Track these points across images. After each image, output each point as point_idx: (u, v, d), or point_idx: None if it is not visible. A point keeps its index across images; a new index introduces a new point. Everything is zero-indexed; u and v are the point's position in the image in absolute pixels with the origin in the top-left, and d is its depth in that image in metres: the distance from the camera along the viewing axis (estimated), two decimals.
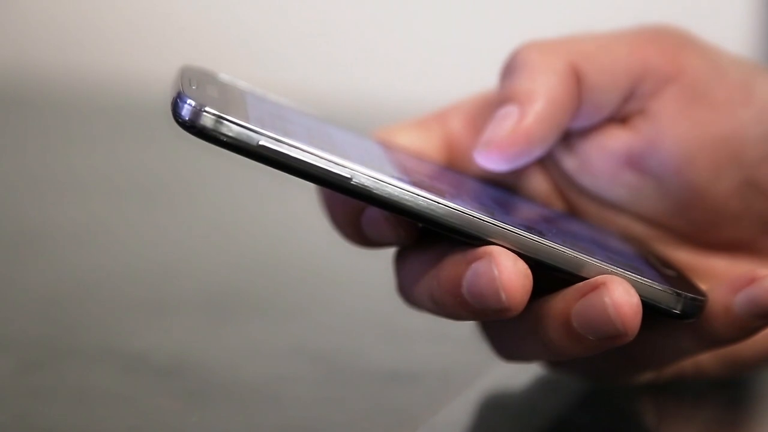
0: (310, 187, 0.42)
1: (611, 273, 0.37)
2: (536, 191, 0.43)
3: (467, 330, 0.43)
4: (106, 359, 0.45)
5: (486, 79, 0.47)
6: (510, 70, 0.42)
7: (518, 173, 0.43)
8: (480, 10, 1.24)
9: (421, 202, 0.36)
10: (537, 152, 0.41)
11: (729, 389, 0.44)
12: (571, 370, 0.43)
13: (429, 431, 0.40)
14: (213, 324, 0.51)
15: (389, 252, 0.41)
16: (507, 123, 0.40)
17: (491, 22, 1.21)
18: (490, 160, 0.41)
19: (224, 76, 0.41)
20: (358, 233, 0.39)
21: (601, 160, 0.42)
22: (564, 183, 0.43)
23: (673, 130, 0.42)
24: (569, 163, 0.43)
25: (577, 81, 0.41)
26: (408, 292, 0.40)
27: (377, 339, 0.49)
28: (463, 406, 0.42)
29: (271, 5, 1.28)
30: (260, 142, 0.35)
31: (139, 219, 0.70)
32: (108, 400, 0.41)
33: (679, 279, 0.39)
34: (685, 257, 0.43)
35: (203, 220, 0.72)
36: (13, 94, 1.12)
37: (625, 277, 0.36)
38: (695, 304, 0.37)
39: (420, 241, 0.39)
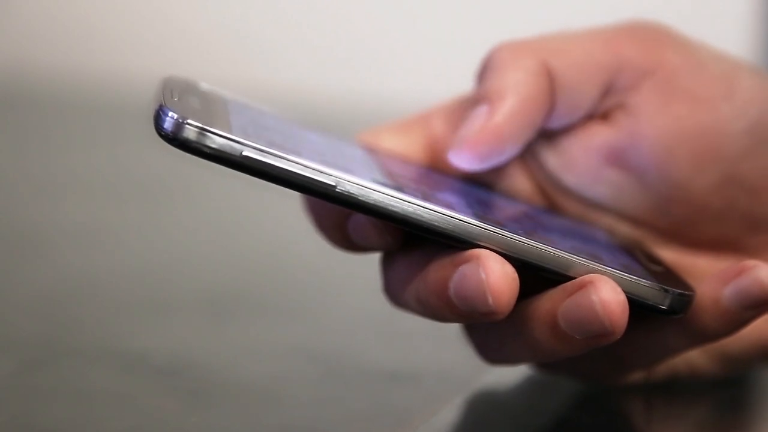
0: None
1: (597, 271, 0.37)
2: (519, 191, 0.43)
3: None
4: (106, 359, 0.45)
5: None
6: (483, 70, 0.42)
7: (501, 173, 0.43)
8: (479, 9, 1.24)
9: (407, 207, 0.36)
10: (509, 150, 0.41)
11: (725, 388, 0.44)
12: (557, 371, 0.43)
13: (429, 431, 0.40)
14: (213, 324, 0.51)
15: None
16: (477, 122, 0.41)
17: (491, 22, 1.21)
18: (463, 159, 0.41)
19: (206, 85, 0.41)
20: (344, 239, 0.39)
21: (583, 157, 0.42)
22: (547, 182, 0.43)
23: (652, 124, 0.42)
24: (552, 161, 0.43)
25: (550, 79, 0.41)
26: (394, 292, 0.40)
27: (377, 339, 0.49)
28: (463, 406, 0.42)
29: (270, 5, 1.28)
30: (243, 153, 0.35)
31: (139, 219, 0.70)
32: (108, 400, 0.41)
33: (666, 274, 0.39)
34: (668, 256, 0.42)
35: (203, 221, 0.72)
36: (13, 94, 1.12)
37: (611, 275, 0.36)
38: (683, 300, 0.37)
39: (407, 244, 0.39)
